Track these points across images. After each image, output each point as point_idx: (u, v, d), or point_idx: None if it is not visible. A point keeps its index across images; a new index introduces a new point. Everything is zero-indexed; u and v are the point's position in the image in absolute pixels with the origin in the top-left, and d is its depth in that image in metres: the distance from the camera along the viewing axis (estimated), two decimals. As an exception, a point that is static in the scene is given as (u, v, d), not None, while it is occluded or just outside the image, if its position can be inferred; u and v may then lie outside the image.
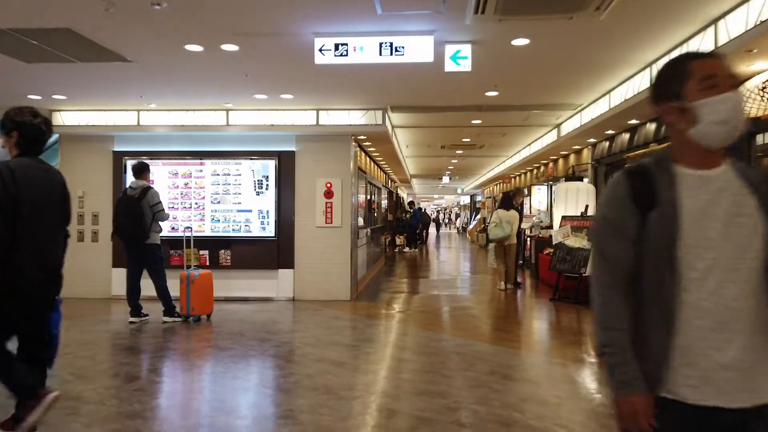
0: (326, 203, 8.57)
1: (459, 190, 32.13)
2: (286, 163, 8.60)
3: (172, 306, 6.94)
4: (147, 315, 6.97)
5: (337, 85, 6.90)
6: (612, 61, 5.86)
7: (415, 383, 4.42)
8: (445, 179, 23.27)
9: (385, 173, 16.45)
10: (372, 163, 12.64)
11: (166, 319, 6.88)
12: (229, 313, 7.45)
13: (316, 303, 8.24)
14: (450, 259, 17.28)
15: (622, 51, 5.51)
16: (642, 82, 6.08)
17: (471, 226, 27.93)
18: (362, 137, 9.10)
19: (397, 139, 10.97)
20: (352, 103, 8.02)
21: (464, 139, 11.69)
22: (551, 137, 10.37)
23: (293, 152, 8.64)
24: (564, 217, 9.14)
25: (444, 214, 54.26)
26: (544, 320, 7.31)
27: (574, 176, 9.50)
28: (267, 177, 8.55)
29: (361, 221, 10.28)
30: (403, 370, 4.77)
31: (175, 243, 8.12)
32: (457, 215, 46.11)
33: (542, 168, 13.72)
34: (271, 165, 8.55)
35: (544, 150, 10.99)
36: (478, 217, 26.45)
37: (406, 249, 18.83)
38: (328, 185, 8.57)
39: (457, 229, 40.09)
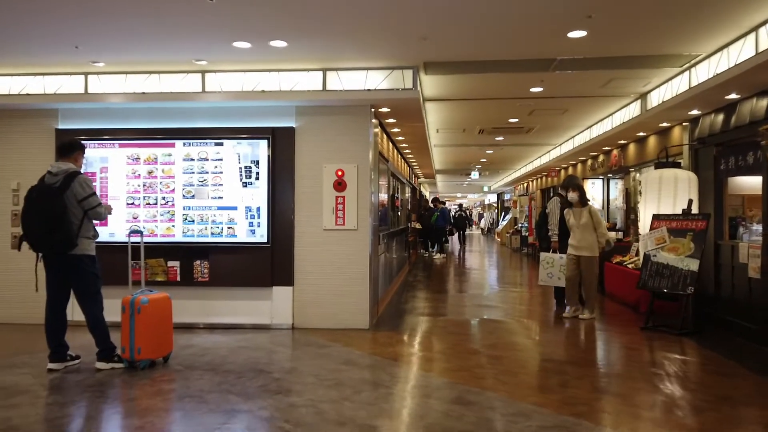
0: (337, 198, 6.35)
1: (485, 188, 29.62)
2: (282, 144, 6.39)
3: (111, 346, 4.77)
4: (77, 358, 4.83)
5: (351, 19, 4.66)
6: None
7: None
8: (474, 175, 20.84)
9: (409, 165, 14.16)
10: (395, 150, 10.37)
11: (101, 365, 4.71)
12: (199, 353, 5.25)
13: (322, 334, 6.02)
14: (483, 267, 14.95)
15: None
16: None
17: (500, 227, 25.60)
18: (385, 109, 6.83)
19: (426, 118, 8.70)
20: (371, 57, 5.76)
21: (511, 120, 9.37)
22: (629, 113, 8.00)
23: (292, 129, 6.42)
24: (657, 217, 6.77)
25: (465, 214, 51.66)
26: (659, 367, 4.95)
27: (667, 161, 7.11)
28: (257, 162, 6.34)
29: (381, 222, 8.03)
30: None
31: (135, 252, 5.94)
32: (480, 215, 43.59)
33: (601, 157, 11.31)
34: (262, 146, 6.34)
35: (616, 131, 8.60)
36: (509, 216, 24.09)
37: (436, 255, 16.49)
38: (340, 174, 6.34)
39: (482, 230, 37.72)
